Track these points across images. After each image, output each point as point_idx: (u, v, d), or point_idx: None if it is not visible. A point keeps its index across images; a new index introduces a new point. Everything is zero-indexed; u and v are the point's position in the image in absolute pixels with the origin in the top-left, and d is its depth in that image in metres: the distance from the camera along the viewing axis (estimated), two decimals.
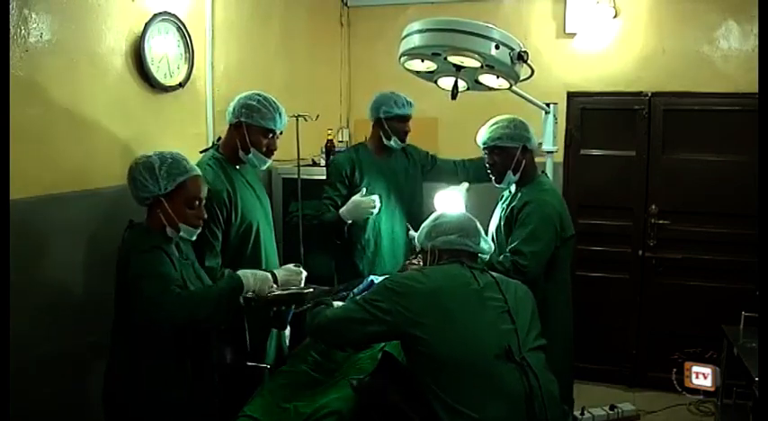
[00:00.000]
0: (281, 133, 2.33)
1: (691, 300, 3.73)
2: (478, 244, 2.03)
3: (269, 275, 2.05)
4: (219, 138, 2.35)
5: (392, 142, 3.03)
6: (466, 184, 2.96)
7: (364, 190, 2.81)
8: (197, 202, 1.91)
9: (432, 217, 2.14)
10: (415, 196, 3.10)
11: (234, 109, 2.28)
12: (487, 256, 2.13)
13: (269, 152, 2.31)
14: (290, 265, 2.31)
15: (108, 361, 1.88)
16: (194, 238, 1.95)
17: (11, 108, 1.74)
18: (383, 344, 2.15)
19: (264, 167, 2.38)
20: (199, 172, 1.94)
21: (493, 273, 1.97)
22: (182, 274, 1.86)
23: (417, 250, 2.20)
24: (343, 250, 3.08)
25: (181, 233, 1.89)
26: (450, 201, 2.87)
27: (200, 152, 2.35)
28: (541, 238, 2.34)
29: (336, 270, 3.19)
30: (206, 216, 1.95)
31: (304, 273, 2.31)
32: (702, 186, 3.68)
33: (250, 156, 2.28)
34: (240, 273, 1.95)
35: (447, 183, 3.05)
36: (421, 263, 2.83)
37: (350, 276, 2.92)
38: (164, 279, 1.75)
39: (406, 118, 3.00)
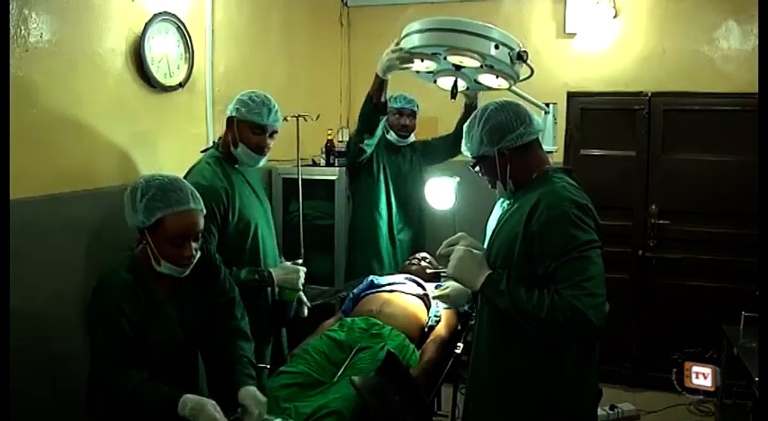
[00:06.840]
0: (274, 132, 2.26)
1: (691, 300, 3.73)
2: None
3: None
4: (221, 138, 2.35)
5: (389, 136, 3.07)
6: (457, 178, 2.99)
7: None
8: (181, 240, 1.67)
9: (468, 124, 1.73)
10: (412, 196, 3.12)
11: (230, 106, 2.27)
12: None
13: (258, 149, 2.24)
14: (288, 263, 2.29)
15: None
16: (183, 276, 1.72)
17: (11, 108, 1.74)
18: (383, 342, 2.15)
19: (256, 165, 2.30)
20: (191, 206, 1.68)
21: None
22: (144, 322, 1.66)
23: (473, 162, 1.74)
24: (353, 248, 3.12)
25: (162, 269, 1.68)
26: (441, 189, 2.89)
27: (201, 152, 2.35)
28: None
29: (347, 268, 3.23)
30: (197, 253, 1.72)
31: (303, 270, 2.32)
32: (702, 186, 3.68)
33: (238, 151, 2.23)
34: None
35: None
36: (424, 262, 2.83)
37: (357, 274, 2.95)
38: (111, 355, 1.60)
39: (396, 112, 3.05)
